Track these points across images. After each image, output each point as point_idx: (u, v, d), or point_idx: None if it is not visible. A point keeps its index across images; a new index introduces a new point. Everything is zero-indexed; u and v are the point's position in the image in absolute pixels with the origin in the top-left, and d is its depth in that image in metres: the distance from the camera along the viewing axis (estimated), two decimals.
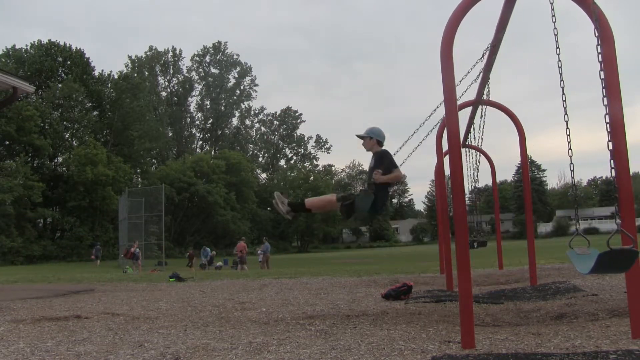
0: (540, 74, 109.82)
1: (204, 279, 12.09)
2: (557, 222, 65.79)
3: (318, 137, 78.96)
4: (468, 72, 5.98)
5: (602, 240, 3.01)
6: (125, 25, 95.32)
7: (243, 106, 73.26)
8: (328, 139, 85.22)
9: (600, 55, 3.29)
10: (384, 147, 4.80)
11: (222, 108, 70.29)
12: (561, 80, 3.55)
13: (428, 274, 9.95)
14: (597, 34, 3.32)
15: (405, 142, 5.62)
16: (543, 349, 3.12)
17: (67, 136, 47.59)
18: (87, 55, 49.61)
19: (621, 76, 3.35)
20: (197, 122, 71.00)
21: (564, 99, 3.55)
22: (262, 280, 10.33)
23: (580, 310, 4.48)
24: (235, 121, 73.71)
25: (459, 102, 5.44)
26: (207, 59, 69.56)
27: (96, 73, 50.76)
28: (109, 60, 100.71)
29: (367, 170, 4.78)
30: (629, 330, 3.31)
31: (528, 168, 7.75)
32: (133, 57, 63.23)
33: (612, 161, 3.14)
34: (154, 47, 65.27)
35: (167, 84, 67.76)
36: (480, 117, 8.11)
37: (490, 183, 17.97)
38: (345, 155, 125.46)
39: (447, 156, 4.16)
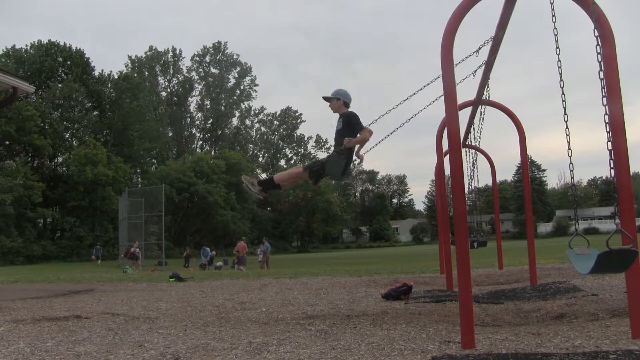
0: (540, 74, 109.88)
1: (204, 279, 12.09)
2: (557, 222, 65.81)
3: (318, 137, 79.00)
4: (469, 74, 5.99)
5: (602, 240, 3.01)
6: (125, 25, 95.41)
7: (243, 106, 73.29)
8: (328, 139, 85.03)
9: (600, 55, 3.29)
10: (350, 109, 4.82)
11: (222, 108, 70.26)
12: (561, 80, 3.55)
13: (428, 274, 9.95)
14: (597, 34, 3.32)
15: (391, 133, 5.62)
16: (543, 349, 3.12)
17: (67, 136, 47.59)
18: (87, 55, 49.60)
19: (621, 76, 3.35)
20: (197, 122, 71.00)
21: (563, 99, 3.55)
22: (262, 280, 10.33)
23: (580, 310, 4.48)
24: (235, 121, 73.73)
25: (459, 102, 5.43)
26: (207, 59, 69.52)
27: (96, 73, 50.74)
28: (109, 60, 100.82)
29: (335, 133, 4.75)
30: (629, 330, 3.31)
31: (528, 168, 7.75)
32: (133, 57, 63.22)
33: (612, 161, 3.14)
34: (154, 47, 65.26)
35: (167, 84, 67.74)
36: (480, 117, 8.11)
37: (490, 183, 17.96)
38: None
39: (447, 156, 4.16)
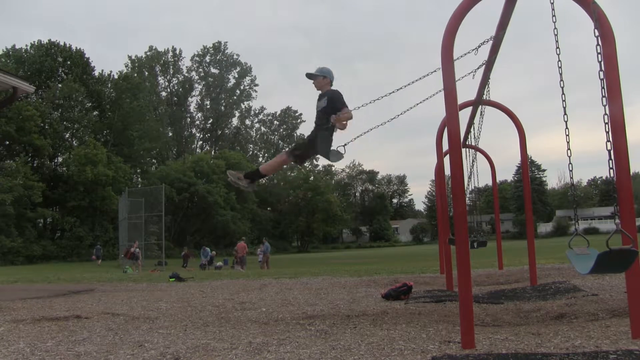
0: (541, 74, 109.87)
1: (204, 279, 12.09)
2: (557, 222, 65.83)
3: None
4: (467, 73, 5.98)
5: (602, 240, 3.01)
6: (125, 25, 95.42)
7: (243, 106, 73.29)
8: None
9: (600, 55, 3.28)
10: (333, 87, 4.84)
11: (222, 108, 70.27)
12: (561, 80, 3.55)
13: (428, 274, 9.96)
14: (597, 34, 3.32)
15: (384, 123, 5.61)
16: (543, 349, 3.12)
17: (67, 136, 47.61)
18: (87, 55, 49.62)
19: (621, 76, 3.35)
20: (197, 122, 71.02)
21: (563, 98, 3.55)
22: (262, 280, 10.33)
23: (580, 310, 4.48)
24: (235, 121, 73.72)
25: (459, 102, 5.43)
26: (207, 59, 69.55)
27: (96, 73, 50.76)
28: (109, 60, 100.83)
29: (318, 111, 4.75)
30: (629, 330, 3.31)
31: (528, 168, 7.75)
32: (133, 57, 63.26)
33: (611, 161, 3.14)
34: (154, 47, 65.30)
35: (167, 84, 67.77)
36: (480, 117, 8.10)
37: (490, 183, 17.96)
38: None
39: (447, 156, 4.16)
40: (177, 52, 67.16)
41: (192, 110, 69.94)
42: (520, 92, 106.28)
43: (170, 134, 65.62)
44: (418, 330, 3.97)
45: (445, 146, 6.42)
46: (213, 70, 69.53)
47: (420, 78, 5.71)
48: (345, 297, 6.78)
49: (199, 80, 69.62)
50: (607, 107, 3.24)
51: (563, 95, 3.55)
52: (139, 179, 53.56)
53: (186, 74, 68.53)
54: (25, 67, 45.13)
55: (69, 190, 42.55)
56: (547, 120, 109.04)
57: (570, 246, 3.22)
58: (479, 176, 10.28)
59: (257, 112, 75.84)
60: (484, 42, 5.12)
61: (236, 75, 70.51)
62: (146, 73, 63.04)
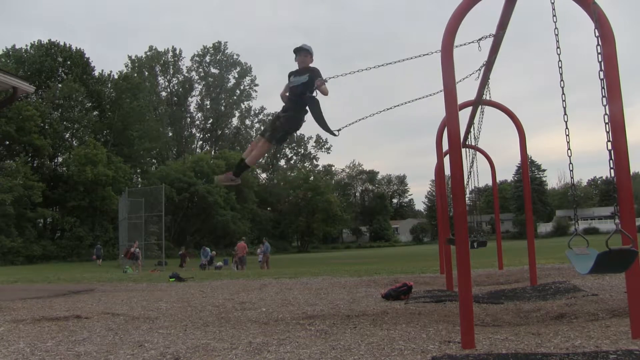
0: (541, 74, 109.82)
1: (204, 279, 12.09)
2: (557, 222, 65.82)
3: (318, 137, 78.98)
4: (469, 74, 5.98)
5: (602, 240, 3.01)
6: (125, 25, 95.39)
7: (243, 106, 73.26)
8: (328, 139, 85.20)
9: (600, 55, 3.28)
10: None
11: (222, 108, 70.27)
12: (561, 80, 3.55)
13: (428, 274, 9.95)
14: (597, 34, 3.32)
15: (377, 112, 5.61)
16: (543, 349, 3.12)
17: (67, 136, 47.62)
18: (87, 55, 49.67)
19: (621, 76, 3.35)
20: (197, 122, 71.03)
21: (563, 98, 3.55)
22: (262, 280, 10.33)
23: (580, 310, 4.48)
24: (235, 121, 73.72)
25: (459, 102, 5.43)
26: (207, 59, 69.54)
27: (96, 73, 50.78)
28: (109, 60, 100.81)
29: (297, 86, 4.89)
30: (629, 330, 3.31)
31: (528, 168, 7.75)
32: (133, 57, 63.26)
33: (612, 161, 3.14)
34: (154, 47, 65.30)
35: (167, 84, 67.76)
36: (480, 117, 8.10)
37: (490, 183, 17.97)
38: (345, 155, 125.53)
39: (447, 156, 4.16)
40: (177, 52, 67.24)
41: (192, 110, 70.02)
42: (520, 92, 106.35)
43: (170, 134, 65.62)
44: (418, 330, 3.97)
45: (445, 146, 6.42)
46: (213, 70, 69.57)
47: (413, 57, 5.63)
48: (345, 297, 6.78)
49: (199, 80, 69.66)
50: (607, 107, 3.24)
51: (563, 95, 3.54)
52: (139, 179, 53.57)
53: (186, 74, 68.60)
54: (25, 67, 45.14)
55: (69, 190, 42.56)
56: (547, 120, 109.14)
57: (570, 246, 3.22)
58: (479, 176, 10.27)
59: (257, 112, 75.84)
60: (486, 37, 5.09)
61: (236, 75, 70.54)
62: (146, 73, 63.04)
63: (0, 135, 39.63)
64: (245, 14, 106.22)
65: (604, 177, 75.04)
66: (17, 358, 3.54)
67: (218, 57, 69.45)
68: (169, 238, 43.99)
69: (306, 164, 77.71)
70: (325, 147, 79.31)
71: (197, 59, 69.04)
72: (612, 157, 3.13)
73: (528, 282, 7.09)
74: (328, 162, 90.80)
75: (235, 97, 71.39)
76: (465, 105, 7.09)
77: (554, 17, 3.52)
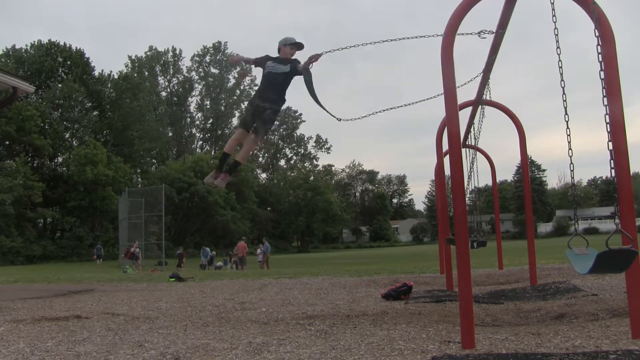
0: (541, 74, 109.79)
1: (204, 279, 12.09)
2: (557, 222, 65.80)
3: (318, 137, 79.03)
4: (470, 79, 5.98)
5: (601, 240, 3.01)
6: (125, 25, 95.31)
7: (243, 106, 73.21)
8: (328, 139, 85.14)
9: (600, 55, 3.28)
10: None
11: (222, 108, 70.26)
12: (561, 80, 3.55)
13: (428, 274, 9.95)
14: (597, 34, 3.32)
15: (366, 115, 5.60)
16: (543, 349, 3.12)
17: (67, 136, 47.63)
18: (87, 55, 49.69)
19: (621, 76, 3.35)
20: (197, 122, 71.02)
21: (564, 98, 3.55)
22: (262, 280, 10.33)
23: (580, 310, 4.48)
24: (235, 121, 73.67)
25: (459, 102, 5.43)
26: (207, 59, 69.48)
27: (96, 73, 50.80)
28: (109, 60, 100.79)
29: (280, 73, 4.94)
30: (629, 330, 3.31)
31: (528, 168, 7.75)
32: (133, 57, 63.24)
33: (612, 161, 3.14)
34: (154, 47, 65.25)
35: (167, 84, 67.73)
36: (480, 117, 8.10)
37: (490, 183, 17.97)
38: (345, 155, 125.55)
39: (447, 156, 4.16)
40: (177, 52, 67.20)
41: (192, 110, 69.99)
42: (520, 92, 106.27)
43: (170, 134, 65.62)
44: (418, 330, 3.97)
45: (445, 146, 6.42)
46: (213, 70, 69.53)
47: (419, 101, 5.68)
48: (345, 297, 6.78)
49: (199, 80, 69.63)
50: (607, 107, 3.25)
51: (564, 96, 3.54)
52: (139, 179, 53.58)
53: (186, 74, 68.56)
54: (25, 67, 45.17)
55: (69, 190, 42.57)
56: (547, 120, 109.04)
57: (569, 246, 3.22)
58: (479, 176, 10.27)
59: None
60: (486, 32, 5.07)
61: (236, 75, 70.49)
62: (146, 73, 63.02)
63: (0, 135, 39.63)
64: (245, 14, 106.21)
65: (604, 177, 75.15)
66: (17, 358, 3.54)
67: (218, 57, 69.42)
68: (169, 238, 43.97)
69: (306, 164, 77.73)
70: (325, 147, 79.39)
71: (197, 59, 69.04)
72: (613, 157, 3.13)
73: (528, 282, 7.09)
74: (328, 162, 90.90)
75: (235, 97, 71.36)
76: (465, 105, 7.09)
77: (554, 17, 3.52)
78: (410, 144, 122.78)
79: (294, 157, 79.55)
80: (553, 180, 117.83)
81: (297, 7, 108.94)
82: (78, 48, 48.85)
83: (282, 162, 78.93)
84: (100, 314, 5.68)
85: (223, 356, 3.36)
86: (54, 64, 46.92)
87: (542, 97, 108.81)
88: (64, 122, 46.15)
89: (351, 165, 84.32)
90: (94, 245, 35.28)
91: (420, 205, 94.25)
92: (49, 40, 47.55)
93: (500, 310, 4.93)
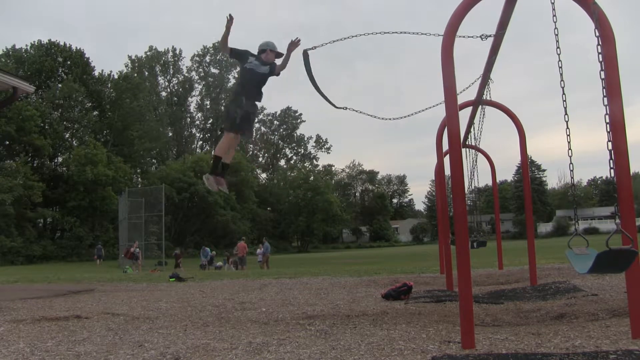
0: (541, 74, 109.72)
1: (204, 279, 12.09)
2: (557, 222, 65.79)
3: (318, 137, 79.02)
4: (469, 86, 5.98)
5: (602, 240, 3.01)
6: (125, 25, 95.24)
7: None
8: (328, 139, 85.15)
9: (600, 55, 3.28)
10: None
11: (222, 108, 70.25)
12: (561, 80, 3.55)
13: (428, 274, 9.95)
14: (597, 34, 3.32)
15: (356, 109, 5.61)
16: (543, 349, 3.12)
17: (67, 136, 47.62)
18: (87, 55, 49.70)
19: (621, 76, 3.35)
20: (197, 122, 71.01)
21: (564, 98, 3.55)
22: (262, 280, 10.33)
23: (580, 310, 4.48)
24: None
25: (459, 102, 5.43)
26: (207, 59, 69.46)
27: (96, 73, 50.81)
28: (109, 60, 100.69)
29: (260, 72, 5.13)
30: (629, 330, 3.31)
31: (528, 168, 7.75)
32: (133, 57, 63.23)
33: (612, 161, 3.14)
34: (154, 47, 65.23)
35: (167, 84, 67.72)
36: (480, 117, 8.10)
37: (490, 183, 17.97)
38: (345, 155, 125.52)
39: (447, 156, 4.16)
40: (177, 52, 67.19)
41: (192, 110, 69.99)
42: (520, 92, 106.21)
43: (170, 134, 65.61)
44: (418, 330, 3.97)
45: (445, 146, 6.42)
46: (213, 70, 69.53)
47: (424, 110, 5.68)
48: (345, 297, 6.78)
49: (199, 80, 69.63)
50: (607, 107, 3.24)
51: (564, 96, 3.55)
52: (139, 179, 53.58)
53: (186, 74, 68.56)
54: (25, 67, 45.18)
55: (69, 190, 42.57)
56: (547, 120, 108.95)
57: (569, 246, 3.22)
58: (479, 176, 10.27)
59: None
60: (488, 36, 5.09)
61: (236, 76, 70.45)
62: (146, 73, 63.00)
63: (0, 135, 39.64)
64: (245, 14, 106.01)
65: (604, 177, 75.19)
66: (17, 358, 3.54)
67: (218, 57, 69.41)
68: (169, 238, 43.97)
69: (306, 164, 77.70)
70: (325, 147, 79.39)
71: (197, 59, 69.04)
72: (612, 157, 3.13)
73: (528, 282, 7.09)
74: (328, 162, 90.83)
75: None
76: (465, 105, 7.09)
77: (554, 17, 3.52)
78: (410, 144, 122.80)
79: (294, 157, 79.59)
80: (553, 180, 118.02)
81: (297, 7, 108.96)
82: (78, 48, 48.93)
83: (282, 162, 78.98)
84: (100, 314, 5.68)
85: (223, 356, 3.36)
86: (54, 64, 46.93)
87: (542, 97, 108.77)
88: (64, 122, 46.16)
89: (351, 165, 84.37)
90: (94, 245, 35.31)
91: (420, 205, 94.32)
92: (49, 40, 47.66)
93: (500, 310, 4.93)
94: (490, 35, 4.78)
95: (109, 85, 51.49)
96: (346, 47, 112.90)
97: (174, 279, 11.87)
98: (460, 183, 3.59)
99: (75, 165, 41.54)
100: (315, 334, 4.03)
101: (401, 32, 5.04)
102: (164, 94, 66.77)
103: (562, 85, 3.55)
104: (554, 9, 3.50)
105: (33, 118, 39.97)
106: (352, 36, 5.24)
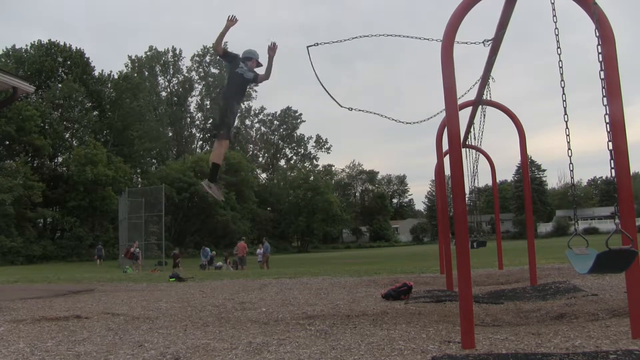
0: (541, 74, 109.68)
1: (204, 279, 12.09)
2: (557, 222, 65.79)
3: (318, 137, 79.01)
4: (469, 90, 5.98)
5: (602, 240, 3.01)
6: (125, 25, 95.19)
7: (243, 106, 73.23)
8: (328, 139, 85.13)
9: (600, 55, 3.28)
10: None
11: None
12: (562, 80, 3.55)
13: (428, 274, 9.95)
14: (597, 34, 3.32)
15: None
16: (543, 349, 3.12)
17: (67, 136, 47.62)
18: (87, 55, 49.68)
19: (621, 76, 3.35)
20: (197, 122, 71.00)
21: (564, 98, 3.55)
22: (262, 280, 10.33)
23: (580, 310, 4.48)
24: (235, 121, 73.67)
25: (459, 102, 5.43)
26: (207, 59, 69.40)
27: (96, 73, 50.79)
28: (109, 60, 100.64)
29: (246, 77, 5.35)
30: (629, 330, 3.31)
31: (528, 168, 7.75)
32: (133, 57, 63.21)
33: (612, 161, 3.14)
34: (154, 47, 65.18)
35: (167, 84, 67.71)
36: (481, 117, 8.10)
37: (490, 183, 17.98)
38: (345, 155, 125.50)
39: (447, 156, 4.16)
40: (177, 52, 67.17)
41: (192, 110, 69.98)
42: (520, 92, 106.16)
43: (170, 134, 65.60)
44: (418, 330, 3.97)
45: (445, 146, 6.42)
46: (213, 70, 69.47)
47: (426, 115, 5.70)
48: (345, 297, 6.78)
49: (199, 80, 69.62)
50: (607, 107, 3.24)
51: (564, 96, 3.55)
52: (139, 179, 53.56)
53: (186, 74, 68.54)
54: (25, 67, 45.16)
55: (69, 190, 42.56)
56: (547, 120, 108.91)
57: (569, 246, 3.22)
58: (479, 176, 10.27)
59: (257, 112, 75.84)
60: (485, 42, 5.11)
61: None
62: (146, 73, 62.98)
63: (0, 135, 39.63)
64: (245, 14, 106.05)
65: (604, 177, 75.14)
66: (17, 358, 3.54)
67: (218, 57, 69.29)
68: (169, 238, 43.97)
69: (306, 164, 77.68)
70: (325, 147, 79.38)
71: (197, 59, 69.00)
72: (612, 157, 3.13)
73: (528, 282, 7.09)
74: (328, 162, 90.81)
75: None
76: (465, 105, 7.09)
77: (554, 17, 3.52)
78: (410, 144, 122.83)
79: (294, 157, 79.58)
80: (553, 180, 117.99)
81: (297, 7, 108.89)
82: (78, 48, 48.91)
83: (282, 162, 78.98)
84: (100, 314, 5.68)
85: (223, 356, 3.36)
86: (54, 64, 46.92)
87: (542, 97, 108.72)
88: (64, 122, 46.15)
89: (351, 165, 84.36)
90: (94, 245, 35.30)
91: (420, 205, 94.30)
92: (49, 40, 47.63)
93: (500, 310, 4.93)
94: (491, 40, 4.79)
95: (109, 85, 51.48)
96: (346, 47, 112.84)
97: (174, 279, 11.87)
98: (460, 183, 3.59)
99: (75, 165, 41.53)
100: (315, 334, 4.03)
101: (404, 36, 5.06)
102: (164, 94, 66.76)
103: (562, 85, 3.55)
104: (554, 9, 3.50)
105: (33, 118, 39.97)
106: (354, 37, 5.25)
